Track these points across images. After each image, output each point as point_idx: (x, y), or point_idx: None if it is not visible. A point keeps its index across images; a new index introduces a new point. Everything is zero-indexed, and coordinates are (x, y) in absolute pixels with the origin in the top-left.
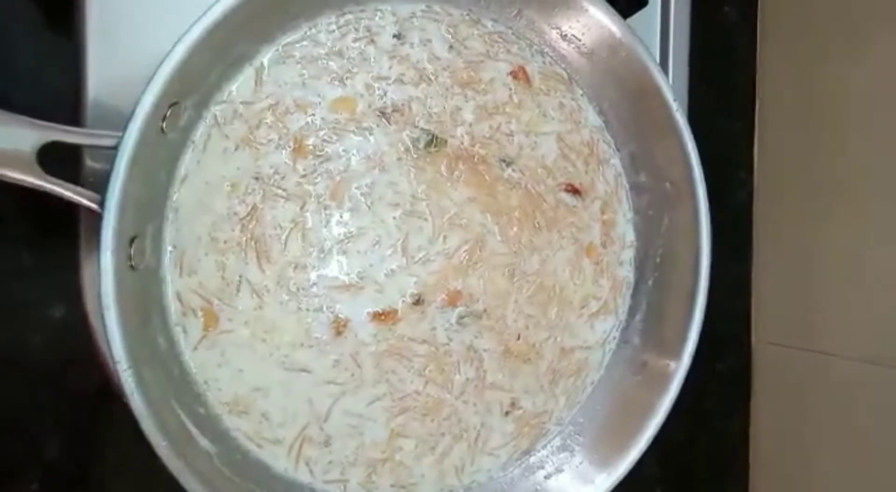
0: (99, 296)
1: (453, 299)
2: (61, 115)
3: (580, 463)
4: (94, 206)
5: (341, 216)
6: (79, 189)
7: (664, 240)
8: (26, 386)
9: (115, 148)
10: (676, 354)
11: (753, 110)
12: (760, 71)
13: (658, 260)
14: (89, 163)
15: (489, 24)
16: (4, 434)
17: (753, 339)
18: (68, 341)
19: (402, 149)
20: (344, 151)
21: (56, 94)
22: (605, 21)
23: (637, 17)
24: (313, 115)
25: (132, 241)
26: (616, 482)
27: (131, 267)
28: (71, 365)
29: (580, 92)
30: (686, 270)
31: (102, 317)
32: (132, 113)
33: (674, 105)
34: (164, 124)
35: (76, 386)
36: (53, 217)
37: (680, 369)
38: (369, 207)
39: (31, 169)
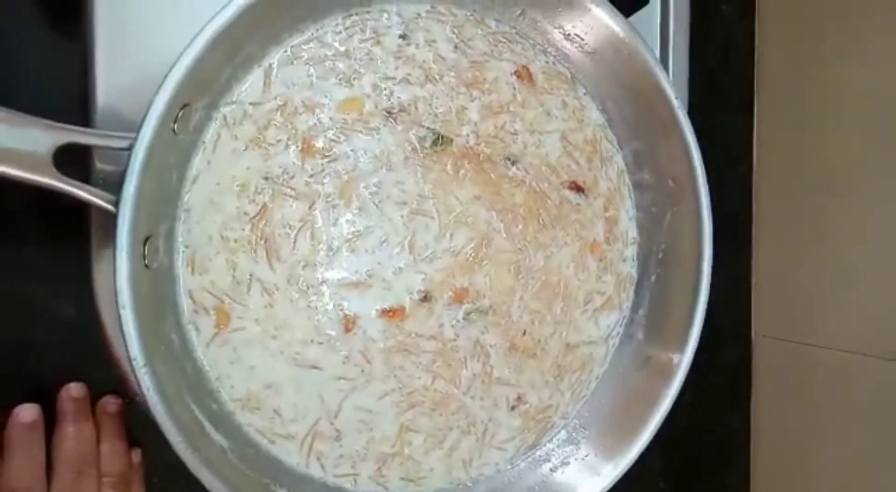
0: (115, 295)
1: (460, 296)
2: (71, 120)
3: (586, 455)
4: (108, 206)
5: (349, 215)
6: (94, 190)
7: (667, 236)
8: (36, 386)
9: (129, 149)
10: (680, 348)
11: (752, 107)
12: (759, 68)
13: (661, 256)
14: (99, 165)
15: (493, 24)
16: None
17: (753, 333)
18: (78, 341)
19: (409, 148)
20: (352, 150)
21: (65, 100)
22: (607, 20)
23: (637, 15)
24: (321, 115)
25: (146, 240)
26: (622, 473)
27: (146, 266)
28: (81, 365)
29: (583, 90)
30: (688, 266)
31: (118, 315)
32: (145, 114)
33: (676, 103)
34: (176, 126)
35: (86, 383)
36: (63, 218)
37: (683, 361)
38: (377, 206)
39: (47, 170)
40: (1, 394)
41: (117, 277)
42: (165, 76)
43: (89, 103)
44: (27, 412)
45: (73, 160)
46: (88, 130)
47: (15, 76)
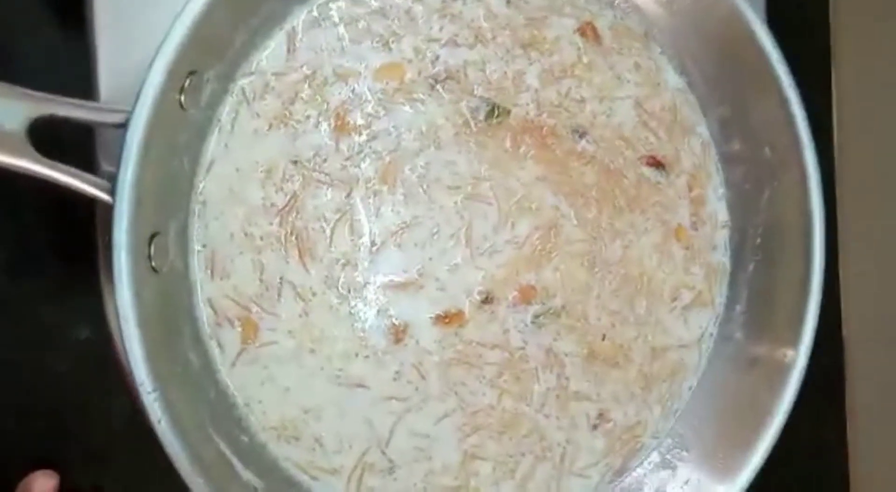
0: (115, 305)
1: (527, 296)
2: None
3: (686, 481)
4: (103, 194)
5: (394, 203)
6: (83, 174)
7: (765, 217)
8: (52, 413)
9: (126, 125)
10: (793, 342)
11: (830, 80)
12: (835, 35)
13: (759, 241)
14: (105, 166)
15: None
16: (30, 463)
17: (845, 335)
18: (95, 365)
19: (460, 122)
20: (393, 126)
21: (66, 87)
22: None
23: None
24: (356, 85)
25: (152, 238)
26: None
27: (153, 269)
28: (98, 390)
29: (658, 49)
30: (795, 249)
31: (120, 330)
32: (143, 81)
33: (773, 54)
34: (183, 98)
35: (104, 412)
36: (76, 234)
37: (799, 357)
38: (425, 192)
39: (20, 150)
40: (17, 424)
41: (116, 282)
42: (166, 35)
43: (93, 88)
44: (40, 483)
45: (70, 160)
46: (74, 100)
47: (13, 66)
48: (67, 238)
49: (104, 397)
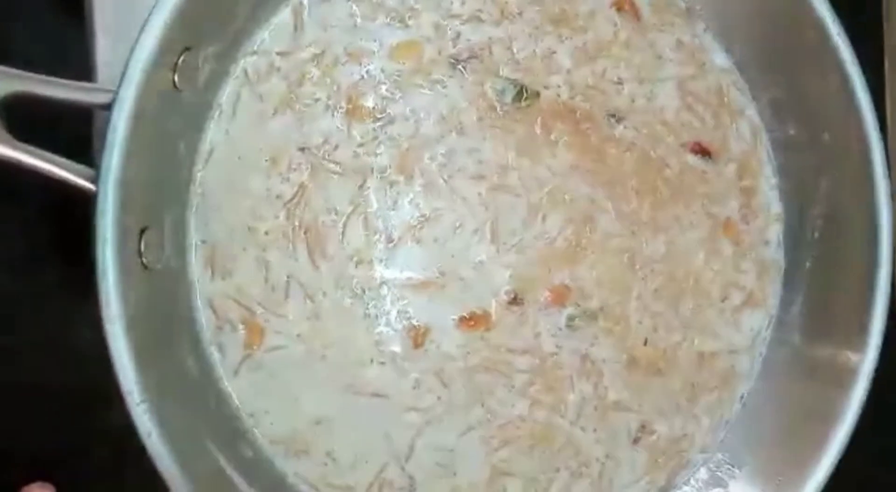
0: (99, 305)
1: (560, 296)
2: None
3: None
4: (85, 183)
5: (412, 195)
6: (62, 160)
7: (823, 208)
8: (53, 422)
9: (110, 106)
10: (857, 344)
11: (882, 63)
12: (888, 10)
13: (816, 235)
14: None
15: None
16: (30, 475)
17: None
18: (98, 372)
19: (484, 105)
20: (411, 111)
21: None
22: None
23: None
24: (370, 66)
25: (143, 232)
26: None
27: (143, 266)
28: (101, 398)
29: (702, 26)
30: (857, 243)
31: (105, 333)
32: (130, 56)
33: (833, 28)
34: (177, 77)
35: (107, 422)
36: (79, 233)
37: (866, 361)
38: (446, 182)
39: None
40: (17, 429)
41: (100, 280)
42: (154, 6)
43: (92, 76)
44: None
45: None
46: (51, 78)
47: (13, 51)
48: (72, 236)
49: (108, 402)
